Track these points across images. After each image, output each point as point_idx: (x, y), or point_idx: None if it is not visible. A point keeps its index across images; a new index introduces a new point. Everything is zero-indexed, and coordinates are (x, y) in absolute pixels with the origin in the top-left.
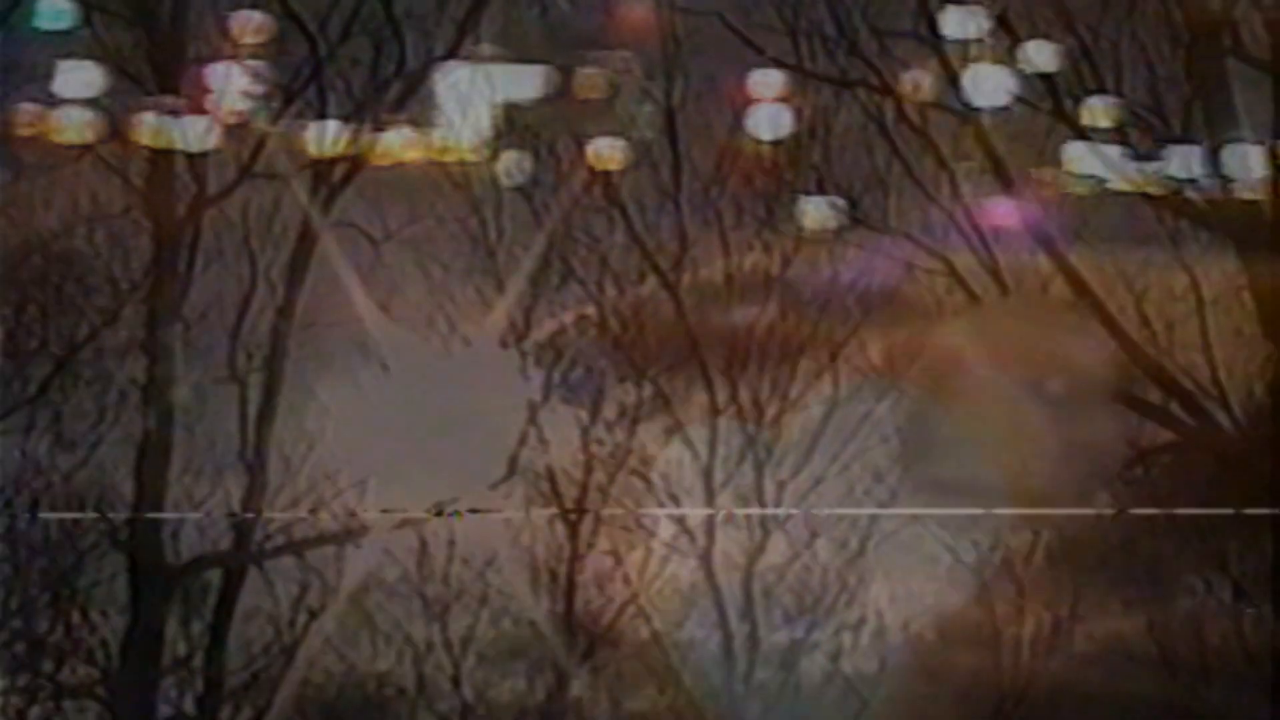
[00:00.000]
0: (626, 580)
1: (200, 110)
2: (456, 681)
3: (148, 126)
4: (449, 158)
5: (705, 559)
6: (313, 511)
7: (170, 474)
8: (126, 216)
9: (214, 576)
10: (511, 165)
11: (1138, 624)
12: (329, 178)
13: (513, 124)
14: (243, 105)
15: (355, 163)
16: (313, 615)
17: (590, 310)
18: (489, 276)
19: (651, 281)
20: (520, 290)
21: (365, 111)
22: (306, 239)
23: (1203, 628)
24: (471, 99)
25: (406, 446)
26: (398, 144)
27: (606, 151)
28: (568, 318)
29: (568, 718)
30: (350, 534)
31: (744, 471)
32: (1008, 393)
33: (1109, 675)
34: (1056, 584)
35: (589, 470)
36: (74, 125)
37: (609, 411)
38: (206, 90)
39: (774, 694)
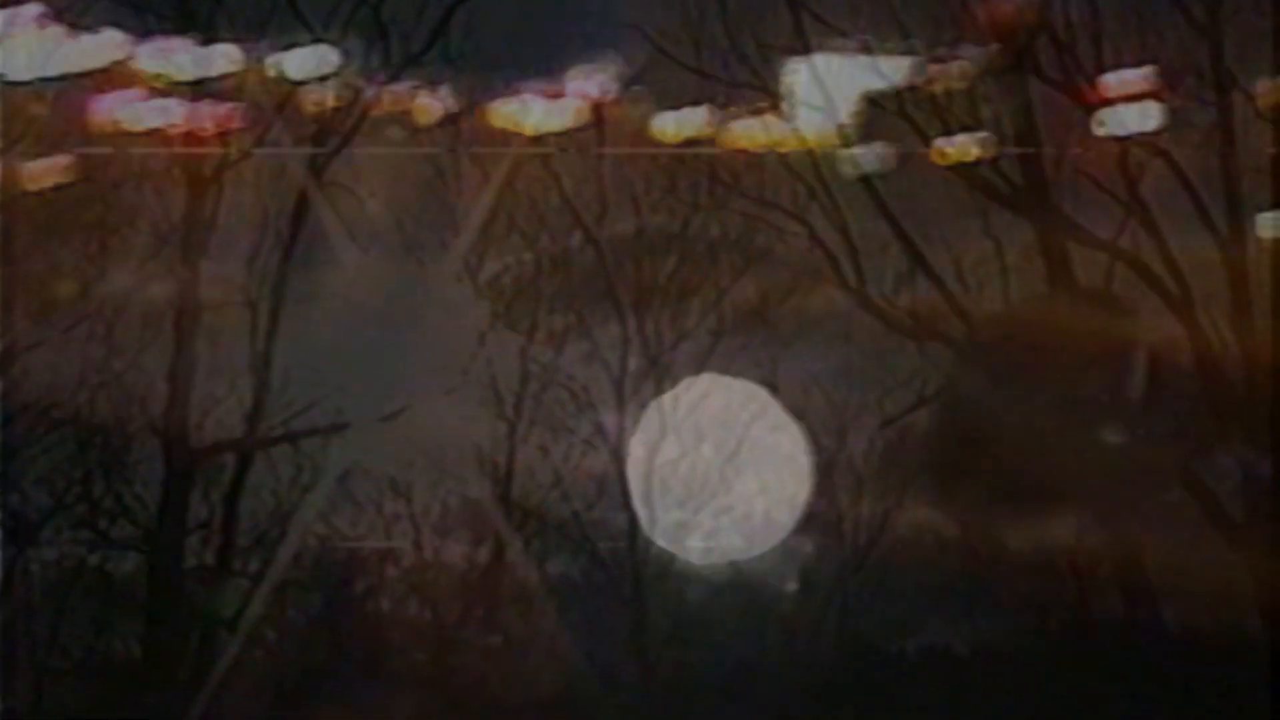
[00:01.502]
0: (552, 469)
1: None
2: (418, 545)
3: None
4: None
5: (615, 453)
6: (305, 409)
7: (196, 377)
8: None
9: (228, 459)
10: (863, 155)
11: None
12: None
13: (868, 114)
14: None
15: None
16: (305, 491)
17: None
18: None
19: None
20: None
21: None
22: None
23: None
24: (829, 87)
25: (381, 360)
26: (748, 130)
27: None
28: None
29: (504, 576)
30: (335, 428)
31: (647, 386)
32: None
33: (925, 554)
34: (887, 480)
35: (525, 382)
36: None
37: (542, 336)
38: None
39: (666, 562)
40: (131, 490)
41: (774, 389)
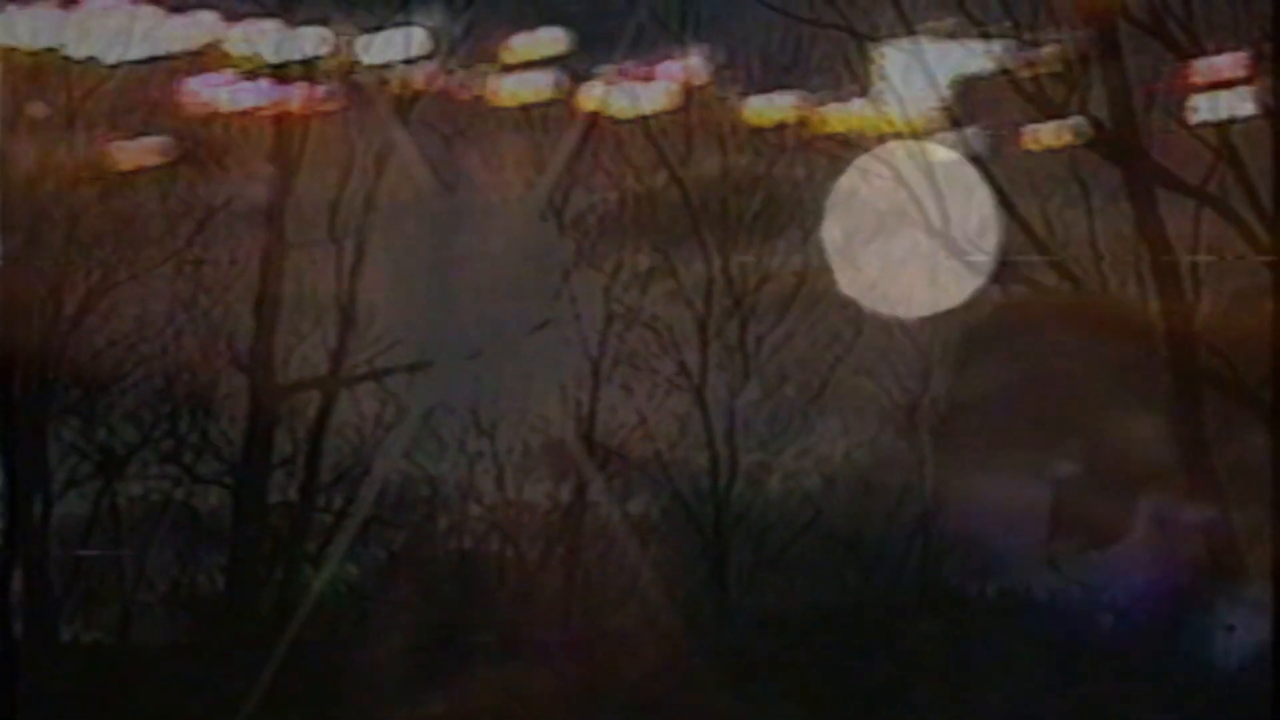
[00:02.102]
0: (635, 409)
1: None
2: (500, 483)
3: None
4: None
5: (698, 394)
6: (390, 347)
7: (282, 313)
8: None
9: (313, 396)
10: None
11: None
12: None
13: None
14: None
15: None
16: (388, 429)
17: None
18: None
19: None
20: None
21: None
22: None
23: None
24: (922, 71)
25: (466, 299)
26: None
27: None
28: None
29: (584, 514)
30: (419, 366)
31: (731, 326)
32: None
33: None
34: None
35: (609, 321)
36: None
37: (626, 276)
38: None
39: (747, 502)
40: (217, 426)
41: (858, 330)
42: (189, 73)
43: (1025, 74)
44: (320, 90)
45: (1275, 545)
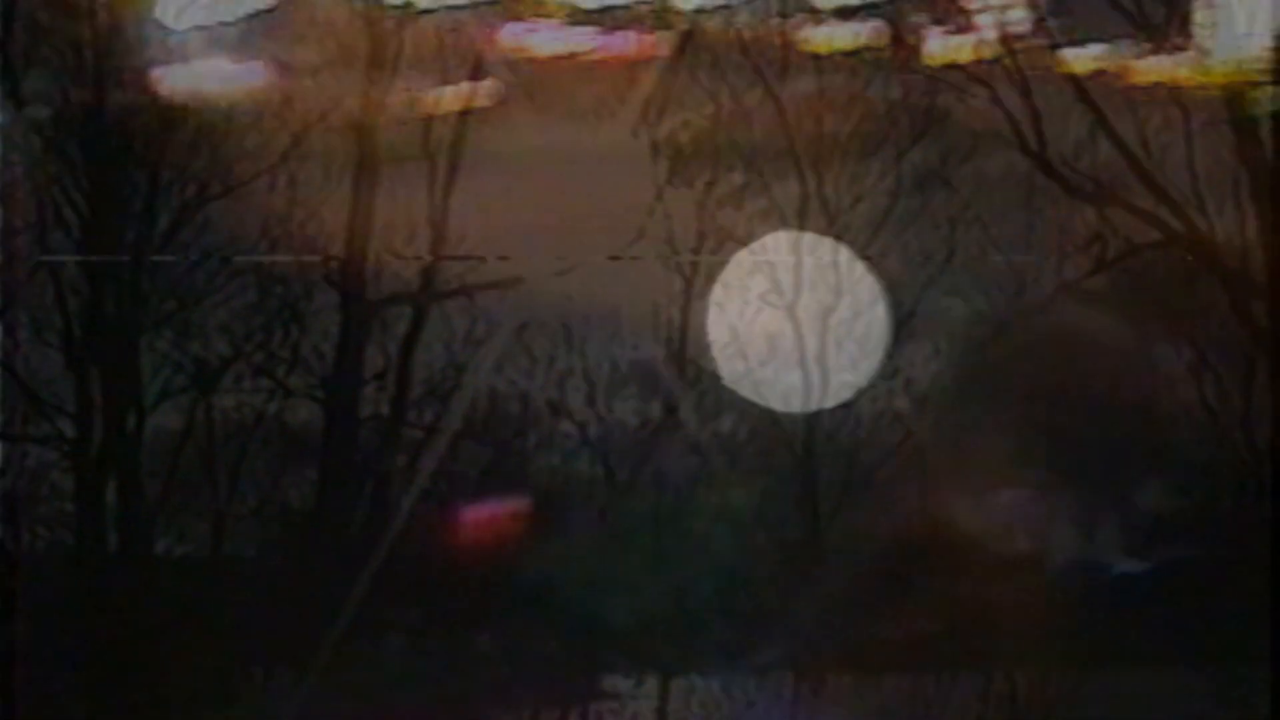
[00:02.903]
0: (727, 326)
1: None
2: (591, 400)
3: None
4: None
5: (790, 311)
6: (481, 263)
7: (374, 228)
8: None
9: (405, 310)
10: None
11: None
12: None
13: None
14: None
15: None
16: (479, 344)
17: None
18: None
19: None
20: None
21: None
22: None
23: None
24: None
25: (556, 215)
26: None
27: None
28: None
29: (674, 432)
30: (510, 282)
31: (824, 245)
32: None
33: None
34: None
35: (701, 239)
36: None
37: (719, 193)
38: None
39: (838, 423)
40: (309, 340)
41: (950, 252)
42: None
43: None
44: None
45: (1274, 539)
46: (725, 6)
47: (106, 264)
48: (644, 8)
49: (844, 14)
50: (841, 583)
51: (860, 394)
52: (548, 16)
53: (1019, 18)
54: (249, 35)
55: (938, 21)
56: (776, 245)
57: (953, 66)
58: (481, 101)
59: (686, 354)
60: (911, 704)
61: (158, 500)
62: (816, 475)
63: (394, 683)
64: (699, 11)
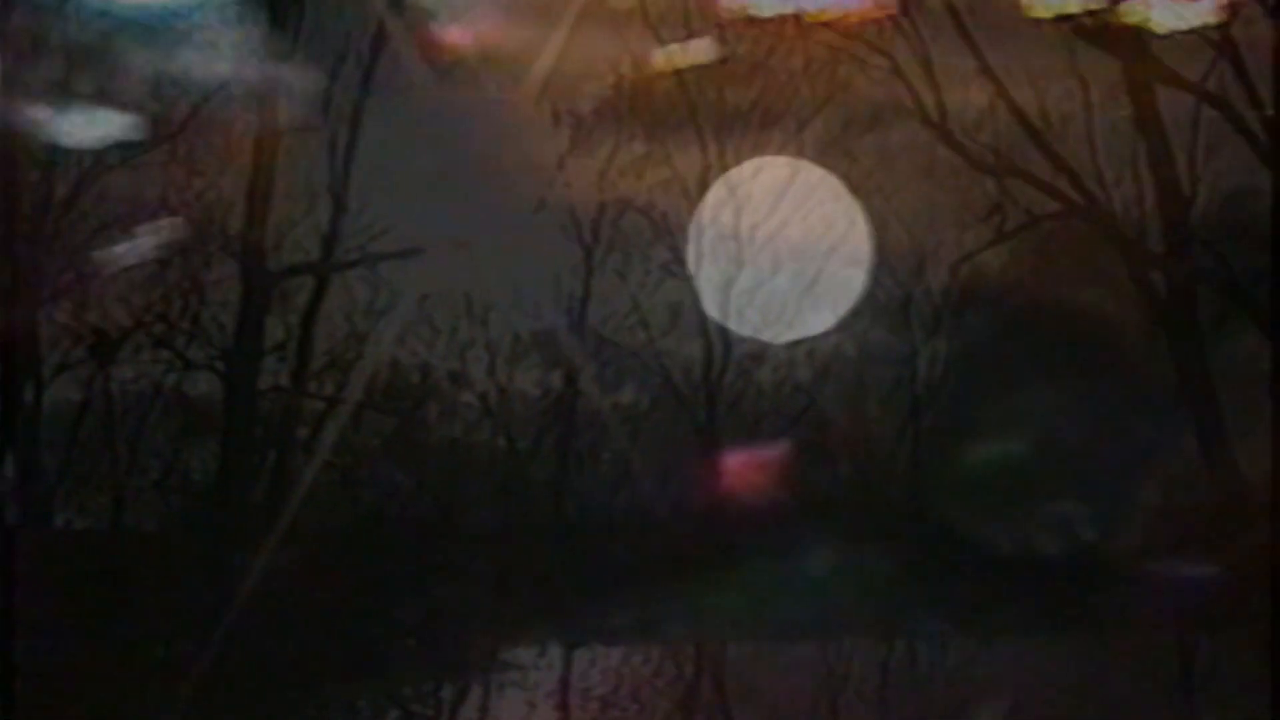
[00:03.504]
0: (628, 296)
1: None
2: (491, 370)
3: None
4: None
5: (691, 282)
6: (382, 233)
7: (273, 200)
8: None
9: (306, 281)
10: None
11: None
12: None
13: None
14: None
15: None
16: (380, 315)
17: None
18: None
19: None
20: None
21: None
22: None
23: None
24: None
25: (459, 185)
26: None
27: None
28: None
29: (575, 402)
30: (410, 252)
31: (725, 214)
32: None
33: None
34: (963, 316)
35: (603, 208)
36: None
37: (621, 162)
38: None
39: (739, 392)
40: (209, 311)
41: (852, 223)
42: None
43: None
44: None
45: (1275, 541)
46: None
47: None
48: None
49: None
50: (741, 553)
51: (761, 363)
52: None
53: None
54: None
55: None
56: (678, 215)
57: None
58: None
59: (588, 323)
60: (815, 670)
61: (57, 473)
62: (718, 445)
63: (297, 655)
64: None
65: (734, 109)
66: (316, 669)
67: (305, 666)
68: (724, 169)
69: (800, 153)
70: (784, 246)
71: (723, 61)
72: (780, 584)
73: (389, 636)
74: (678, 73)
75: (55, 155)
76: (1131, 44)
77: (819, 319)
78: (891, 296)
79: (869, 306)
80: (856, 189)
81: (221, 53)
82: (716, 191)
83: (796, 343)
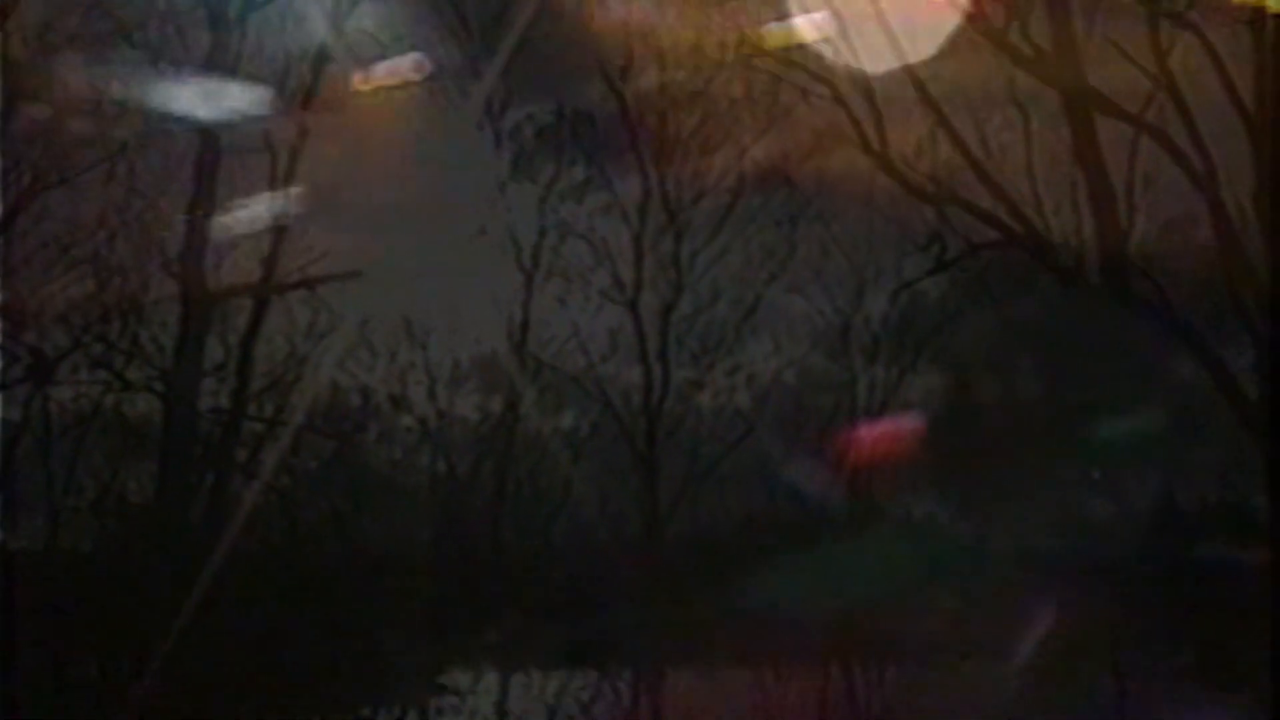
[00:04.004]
0: (569, 321)
1: None
2: (431, 394)
3: None
4: None
5: (632, 307)
6: (322, 256)
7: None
8: None
9: (245, 303)
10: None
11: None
12: None
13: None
14: None
15: None
16: (321, 338)
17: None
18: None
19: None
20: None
21: None
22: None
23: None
24: None
25: (400, 208)
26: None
27: None
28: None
29: (515, 427)
30: (350, 275)
31: (665, 241)
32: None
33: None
34: (902, 343)
35: (543, 233)
36: None
37: (562, 188)
38: None
39: (679, 418)
40: (148, 332)
41: (792, 249)
42: None
43: None
44: None
45: (1274, 542)
46: None
47: None
48: None
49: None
50: (682, 576)
51: (701, 389)
52: None
53: None
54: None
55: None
56: (618, 241)
57: (796, 64)
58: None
59: (528, 347)
60: (750, 696)
61: None
62: (657, 470)
63: (234, 678)
64: None
65: (674, 136)
66: (255, 692)
67: (243, 689)
68: (664, 195)
69: (740, 180)
70: (724, 273)
71: (663, 88)
72: (720, 610)
73: (327, 661)
74: (619, 99)
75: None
76: (1070, 74)
77: (758, 346)
78: (831, 324)
79: (808, 333)
80: (796, 216)
81: (162, 73)
82: (656, 218)
83: (736, 369)
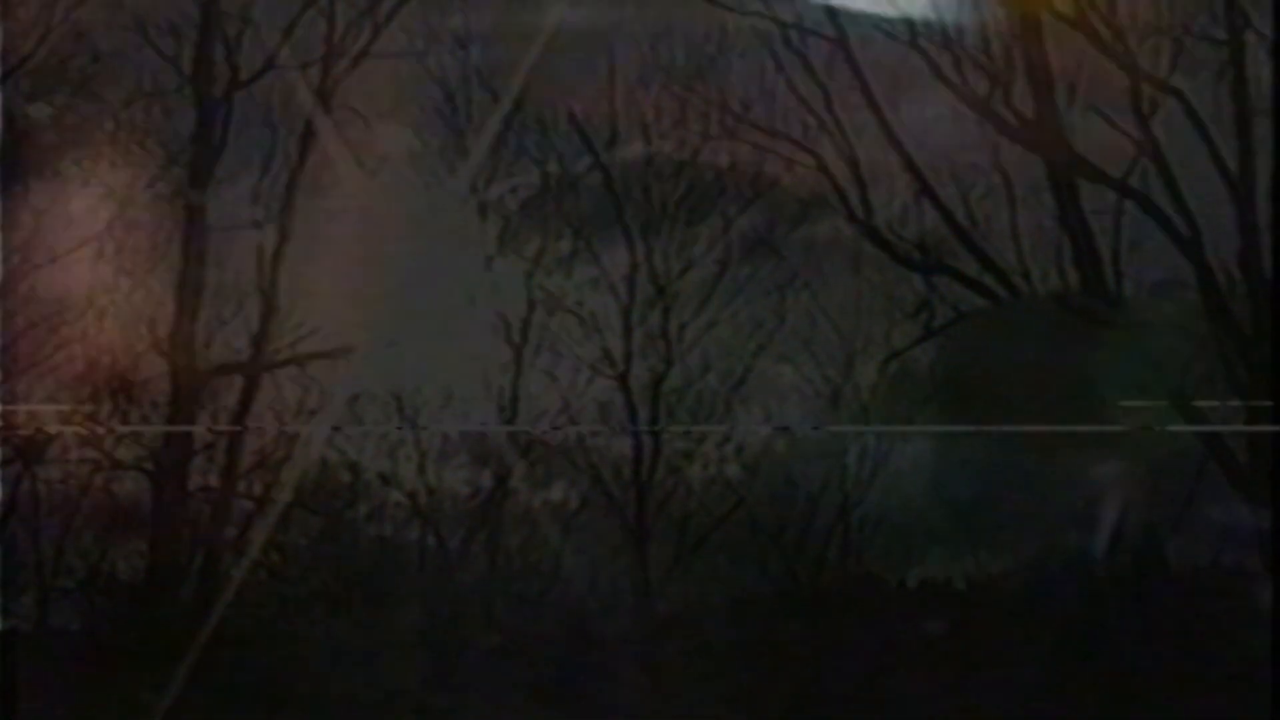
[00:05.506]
0: (558, 395)
1: None
2: (421, 469)
3: None
4: None
5: (621, 380)
6: (311, 333)
7: (204, 299)
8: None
9: (236, 380)
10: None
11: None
12: None
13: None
14: None
15: None
16: (311, 414)
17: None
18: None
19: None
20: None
21: None
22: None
23: None
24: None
25: (388, 284)
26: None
27: None
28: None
29: (505, 501)
30: (340, 352)
31: (654, 314)
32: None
33: (928, 482)
34: (892, 412)
35: (531, 307)
36: None
37: (549, 261)
38: None
39: (670, 490)
40: (138, 411)
41: (780, 319)
42: None
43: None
44: None
45: (1275, 544)
46: None
47: None
48: None
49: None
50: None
51: (692, 461)
52: None
53: None
54: None
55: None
56: (606, 313)
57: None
58: None
59: (517, 421)
60: None
61: None
62: (648, 544)
63: None
64: None
65: (661, 206)
66: None
67: None
68: (652, 267)
69: (727, 250)
70: (713, 344)
71: (649, 160)
72: (713, 687)
73: None
74: (604, 171)
75: None
76: (1053, 140)
77: (749, 416)
78: (820, 392)
79: (798, 403)
80: (784, 285)
81: (149, 148)
82: (645, 289)
83: (726, 440)
